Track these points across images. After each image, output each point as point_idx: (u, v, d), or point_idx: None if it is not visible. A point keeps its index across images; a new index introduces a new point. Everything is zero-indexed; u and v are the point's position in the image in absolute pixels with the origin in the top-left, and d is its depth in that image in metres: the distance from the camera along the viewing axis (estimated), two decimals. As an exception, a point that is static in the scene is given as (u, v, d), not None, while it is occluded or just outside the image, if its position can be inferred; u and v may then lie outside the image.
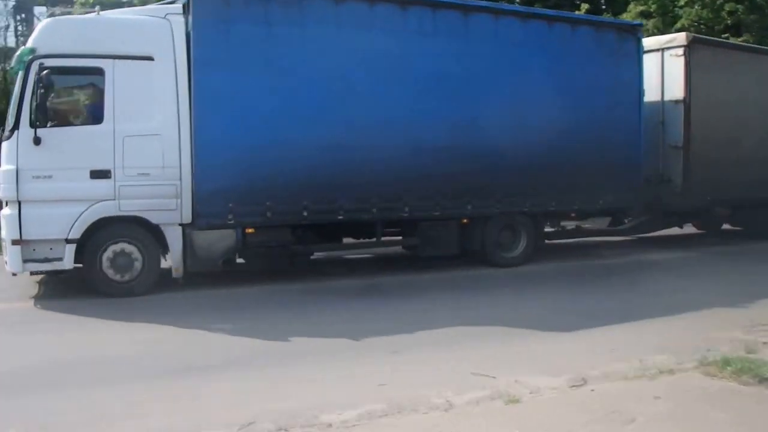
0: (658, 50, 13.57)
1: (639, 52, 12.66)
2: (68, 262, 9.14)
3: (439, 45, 10.97)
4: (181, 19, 9.65)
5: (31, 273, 9.64)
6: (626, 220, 13.86)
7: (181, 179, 9.53)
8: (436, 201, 11.26)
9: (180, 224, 9.58)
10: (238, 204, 9.81)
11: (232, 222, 9.83)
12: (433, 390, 5.70)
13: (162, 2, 10.16)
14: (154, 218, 9.49)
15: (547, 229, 12.97)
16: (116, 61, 9.35)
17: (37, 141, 9.03)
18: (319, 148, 10.13)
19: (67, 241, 9.09)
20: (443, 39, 10.99)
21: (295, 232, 10.49)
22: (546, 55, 11.79)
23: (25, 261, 9.01)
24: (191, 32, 9.51)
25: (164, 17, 9.66)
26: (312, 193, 10.22)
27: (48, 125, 9.16)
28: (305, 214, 10.21)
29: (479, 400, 5.51)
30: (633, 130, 12.60)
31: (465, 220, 11.74)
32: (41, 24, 9.74)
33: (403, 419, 5.18)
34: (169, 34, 9.57)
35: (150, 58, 9.47)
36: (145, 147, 9.41)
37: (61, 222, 9.11)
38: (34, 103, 9.08)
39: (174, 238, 9.58)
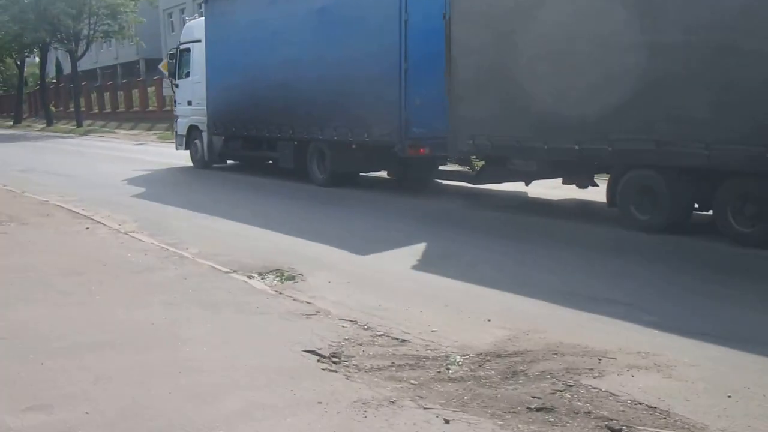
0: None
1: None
2: (181, 146, 22.06)
3: (277, 11, 17.57)
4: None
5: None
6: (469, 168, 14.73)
7: (207, 107, 20.32)
8: (281, 126, 17.69)
9: (206, 131, 20.59)
10: (221, 123, 19.93)
11: (219, 132, 20.18)
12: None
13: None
14: (201, 127, 20.86)
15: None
16: (194, 44, 20.92)
17: (176, 86, 22.08)
18: (248, 90, 18.72)
19: (182, 135, 21.89)
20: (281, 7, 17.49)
21: (244, 141, 19.53)
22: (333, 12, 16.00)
23: (177, 146, 22.38)
24: (206, 24, 20.03)
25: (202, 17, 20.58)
26: (256, 121, 18.46)
27: (179, 78, 21.71)
28: (258, 133, 18.65)
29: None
30: (392, 70, 14.48)
31: (295, 143, 17.41)
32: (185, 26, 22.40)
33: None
34: (203, 26, 20.29)
35: (200, 41, 20.46)
36: (199, 89, 20.65)
37: (181, 127, 21.94)
38: (174, 67, 21.89)
39: (205, 138, 20.76)
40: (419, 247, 10.40)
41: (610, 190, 11.37)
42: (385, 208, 14.12)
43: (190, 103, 21.33)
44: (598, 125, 10.84)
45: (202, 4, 21.22)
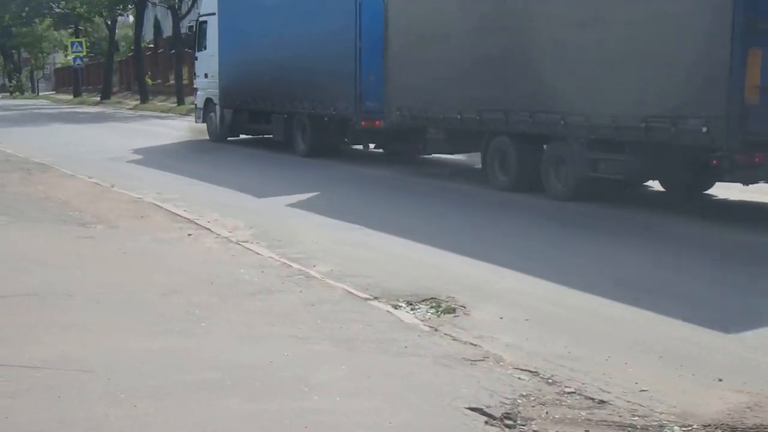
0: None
1: None
2: (200, 119, 28.88)
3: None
4: None
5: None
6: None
7: (219, 80, 26.19)
8: (275, 101, 24.14)
9: (218, 104, 26.69)
10: (230, 96, 26.01)
11: (228, 105, 26.35)
12: None
13: None
14: (215, 100, 26.93)
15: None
16: (210, 16, 26.59)
17: (195, 58, 29.84)
18: (251, 64, 24.90)
19: (200, 108, 28.65)
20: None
21: (255, 117, 25.81)
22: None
23: (196, 119, 29.78)
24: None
25: None
26: (257, 96, 24.85)
27: (198, 51, 28.56)
28: (258, 108, 25.22)
29: None
30: (348, 48, 20.82)
31: (285, 116, 24.00)
32: None
33: None
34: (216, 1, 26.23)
35: (214, 14, 26.00)
36: (213, 62, 26.61)
37: (199, 99, 28.81)
38: (194, 39, 29.06)
39: (218, 110, 26.86)
40: (613, 271, 10.24)
41: (482, 156, 17.44)
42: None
43: (206, 75, 28.17)
44: (473, 99, 16.98)
45: None
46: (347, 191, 17.70)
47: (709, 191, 15.76)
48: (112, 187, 17.18)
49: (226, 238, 12.20)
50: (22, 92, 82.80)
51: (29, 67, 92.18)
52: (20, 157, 22.59)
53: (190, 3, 51.05)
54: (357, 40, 20.54)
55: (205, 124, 28.54)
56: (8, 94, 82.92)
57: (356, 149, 23.39)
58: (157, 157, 23.45)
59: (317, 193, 17.21)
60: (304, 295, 9.11)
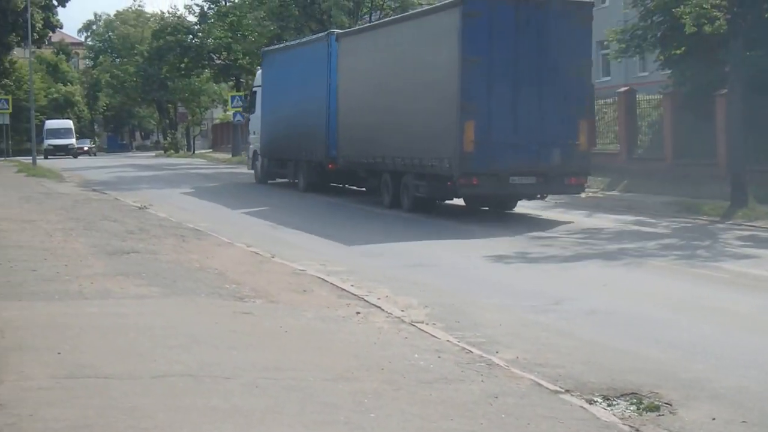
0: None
1: (330, 54, 31.86)
2: (249, 167, 42.93)
3: (293, 69, 36.29)
4: None
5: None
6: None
7: (261, 137, 38.94)
8: (288, 151, 36.35)
9: (260, 155, 39.63)
10: (267, 148, 38.69)
11: (265, 155, 39.01)
12: None
13: None
14: (260, 152, 39.51)
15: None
16: (258, 87, 40.77)
17: (248, 120, 44.63)
18: (278, 124, 37.15)
19: (250, 158, 42.77)
20: (303, 62, 35.23)
21: (281, 164, 37.51)
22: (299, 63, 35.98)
23: (249, 167, 43.38)
24: (262, 74, 41.11)
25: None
26: (280, 147, 37.02)
27: (251, 114, 42.94)
28: (281, 156, 37.34)
29: None
30: (321, 108, 32.28)
31: (294, 162, 36.27)
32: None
33: None
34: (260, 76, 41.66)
35: (260, 86, 40.24)
36: (257, 122, 39.75)
37: (250, 151, 42.76)
38: (248, 104, 45.88)
39: (260, 159, 39.65)
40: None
41: (380, 187, 28.55)
42: None
43: (254, 133, 40.75)
44: (373, 150, 28.35)
45: (262, 57, 42.52)
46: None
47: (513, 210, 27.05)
48: (273, 257, 17.57)
49: (399, 317, 12.31)
50: (177, 150, 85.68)
51: (185, 123, 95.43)
52: (173, 221, 23.38)
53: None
54: (328, 101, 32.01)
55: (253, 171, 41.09)
56: (162, 152, 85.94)
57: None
58: (323, 226, 23.85)
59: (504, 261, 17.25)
60: (486, 385, 9.09)
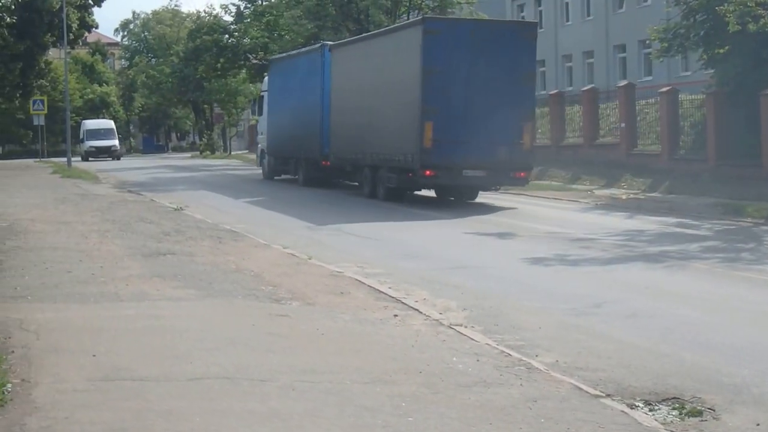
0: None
1: (324, 63, 36.67)
2: (258, 164, 49.03)
3: (298, 72, 40.99)
4: None
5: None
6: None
7: (267, 136, 44.23)
8: (289, 150, 41.30)
9: (267, 153, 44.68)
10: (271, 147, 43.53)
11: (270, 153, 43.79)
12: None
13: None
14: (267, 150, 44.47)
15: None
16: (265, 92, 46.01)
17: (256, 121, 54.97)
18: (280, 124, 42.16)
19: (259, 157, 48.72)
20: (301, 70, 40.64)
21: (284, 161, 42.15)
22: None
23: (257, 164, 49.65)
24: (268, 80, 46.64)
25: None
26: (283, 146, 41.82)
27: (259, 115, 48.21)
28: (284, 155, 42.05)
29: None
30: (317, 111, 36.81)
31: (294, 159, 41.10)
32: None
33: None
34: (267, 82, 46.84)
35: (266, 91, 45.46)
36: (264, 125, 45.17)
37: (258, 150, 48.89)
38: (257, 106, 50.75)
39: (267, 157, 44.53)
40: None
41: (361, 179, 34.10)
42: None
43: (261, 133, 46.04)
44: (356, 147, 33.21)
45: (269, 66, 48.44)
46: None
47: (476, 200, 30.86)
48: (309, 258, 17.63)
49: (437, 320, 12.33)
50: (213, 151, 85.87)
51: (221, 123, 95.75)
52: (210, 223, 23.48)
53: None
54: (322, 105, 36.81)
55: (261, 168, 46.23)
56: (198, 153, 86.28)
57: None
58: (362, 227, 23.89)
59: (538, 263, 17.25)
60: (525, 389, 9.10)
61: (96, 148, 74.04)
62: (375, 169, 31.91)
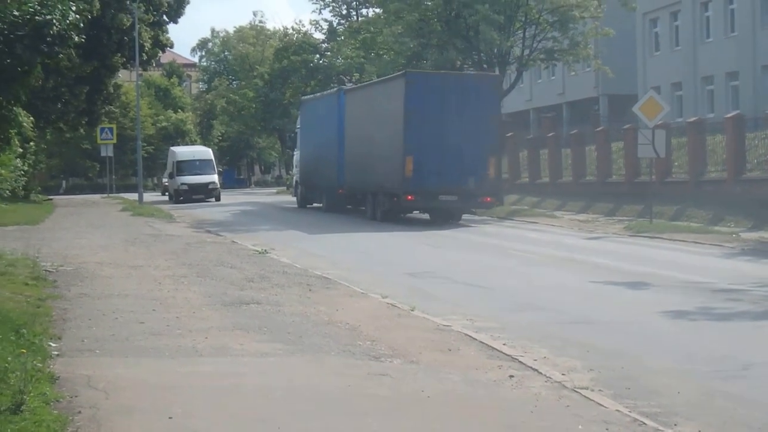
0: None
1: (340, 104, 48.62)
2: (293, 194, 63.85)
3: (321, 112, 54.21)
4: None
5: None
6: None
7: (299, 170, 57.94)
8: (317, 180, 53.87)
9: (300, 183, 58.15)
10: (302, 179, 57.04)
11: (302, 184, 57.00)
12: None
13: None
14: (299, 181, 57.77)
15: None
16: (298, 129, 59.37)
17: (293, 155, 66.27)
18: (311, 158, 54.99)
19: (293, 187, 64.26)
20: (324, 110, 53.38)
21: (312, 190, 55.01)
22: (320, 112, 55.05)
23: (293, 194, 64.30)
24: (300, 117, 61.45)
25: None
26: (311, 177, 54.76)
27: (295, 150, 62.97)
28: (312, 184, 54.93)
29: None
30: (335, 146, 48.37)
31: (320, 189, 53.22)
32: None
33: None
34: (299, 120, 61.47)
35: (300, 128, 59.43)
36: (297, 158, 59.28)
37: (293, 181, 63.96)
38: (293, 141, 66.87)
39: (300, 188, 57.99)
40: None
41: (366, 203, 46.51)
42: None
43: (296, 166, 58.26)
44: (362, 176, 45.28)
45: (300, 105, 62.21)
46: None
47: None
48: (412, 310, 17.60)
49: (559, 382, 12.23)
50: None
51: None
52: (298, 268, 23.63)
53: (515, 75, 52.80)
54: (338, 141, 47.40)
55: (295, 197, 58.06)
56: (285, 188, 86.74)
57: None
58: (467, 276, 23.84)
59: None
60: (663, 468, 8.97)
61: (189, 185, 64.79)
62: (374, 195, 42.82)
